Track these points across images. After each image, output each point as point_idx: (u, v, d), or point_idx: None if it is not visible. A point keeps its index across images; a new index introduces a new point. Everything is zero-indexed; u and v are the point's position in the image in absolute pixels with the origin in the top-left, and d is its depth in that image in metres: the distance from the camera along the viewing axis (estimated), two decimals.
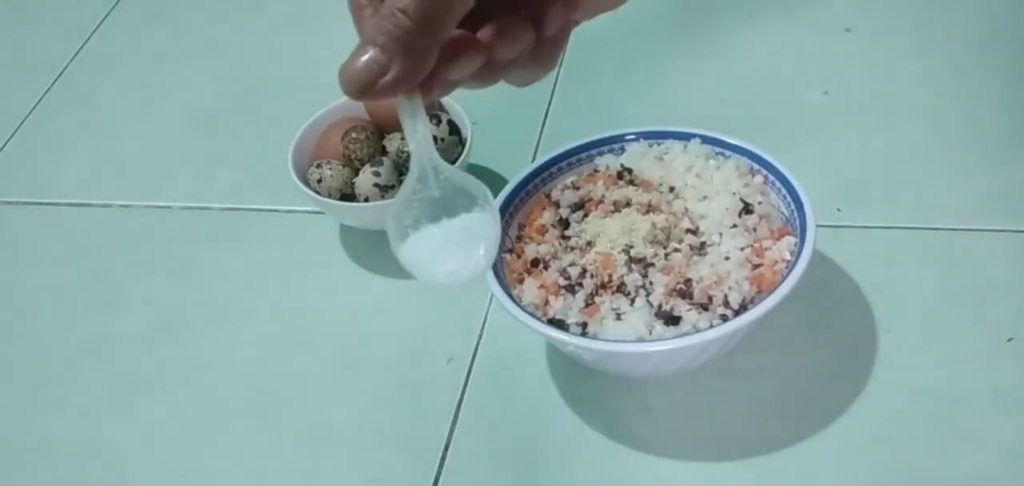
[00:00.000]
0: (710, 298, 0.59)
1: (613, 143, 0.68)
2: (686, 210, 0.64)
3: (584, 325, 0.59)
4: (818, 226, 0.60)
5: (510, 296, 0.60)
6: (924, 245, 0.69)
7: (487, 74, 0.47)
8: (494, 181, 0.76)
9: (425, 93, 0.46)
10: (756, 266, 0.60)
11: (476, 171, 0.77)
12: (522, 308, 0.60)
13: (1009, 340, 0.63)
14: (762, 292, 0.59)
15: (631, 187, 0.65)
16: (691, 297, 0.59)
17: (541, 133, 0.82)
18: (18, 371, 0.71)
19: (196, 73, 0.95)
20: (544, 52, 0.48)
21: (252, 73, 0.94)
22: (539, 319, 0.59)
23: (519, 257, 0.63)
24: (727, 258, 0.60)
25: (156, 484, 0.64)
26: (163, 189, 0.83)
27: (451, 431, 0.63)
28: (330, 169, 0.73)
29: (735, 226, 0.62)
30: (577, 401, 0.64)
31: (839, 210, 0.71)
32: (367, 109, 0.76)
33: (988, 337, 0.63)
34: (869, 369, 0.62)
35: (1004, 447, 0.58)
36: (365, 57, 0.43)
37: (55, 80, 0.96)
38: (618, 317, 0.58)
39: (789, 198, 0.63)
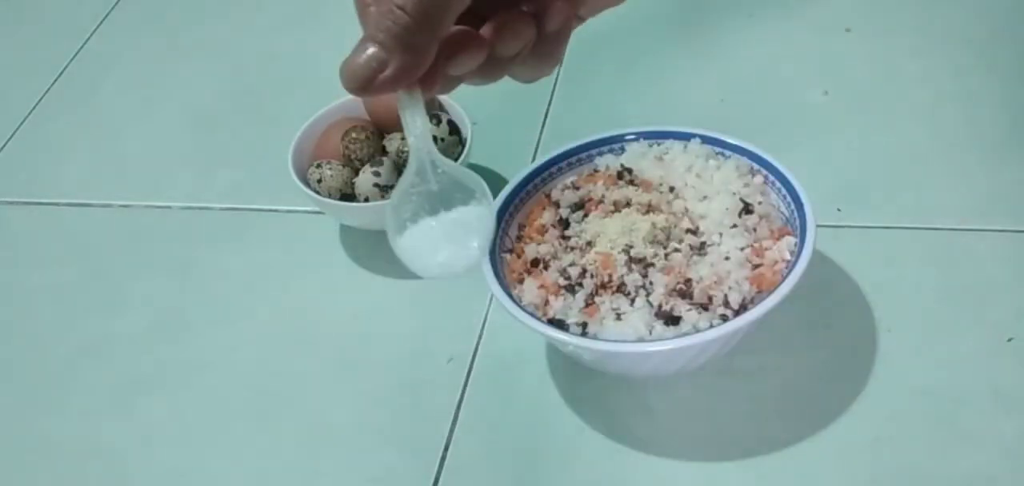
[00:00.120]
0: (710, 298, 0.59)
1: (613, 143, 0.68)
2: (686, 210, 0.64)
3: (584, 325, 0.59)
4: (818, 226, 0.60)
5: (510, 296, 0.60)
6: (924, 245, 0.69)
7: (490, 70, 0.47)
8: (494, 181, 0.76)
9: (426, 89, 0.46)
10: (756, 266, 0.60)
11: (476, 171, 0.77)
12: (522, 308, 0.60)
13: (1009, 340, 0.63)
14: (762, 292, 0.59)
15: (631, 187, 0.65)
16: (691, 297, 0.59)
17: (541, 133, 0.82)
18: (18, 371, 0.71)
19: (196, 73, 0.95)
20: (546, 48, 0.48)
21: (252, 73, 0.94)
22: (539, 319, 0.59)
23: (519, 257, 0.63)
24: (727, 258, 0.60)
25: (156, 484, 0.64)
26: (163, 189, 0.83)
27: (451, 431, 0.63)
28: (330, 169, 0.73)
29: (735, 226, 0.62)
30: (577, 401, 0.64)
31: (839, 210, 0.71)
32: (367, 109, 0.76)
33: (988, 337, 0.63)
34: (869, 369, 0.62)
35: (1004, 447, 0.58)
36: (365, 54, 0.44)
37: (55, 80, 0.96)
38: (618, 317, 0.58)
39: (789, 198, 0.63)
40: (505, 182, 0.67)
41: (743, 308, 0.58)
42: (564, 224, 0.64)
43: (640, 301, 0.59)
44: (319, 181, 0.73)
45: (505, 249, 0.64)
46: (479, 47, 0.46)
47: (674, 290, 0.59)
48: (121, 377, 0.69)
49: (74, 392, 0.69)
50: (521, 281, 0.62)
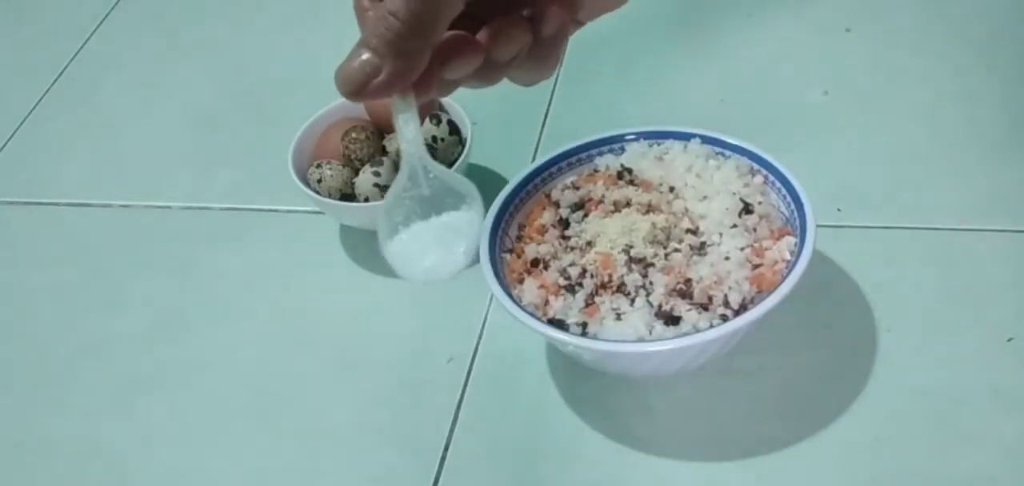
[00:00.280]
0: (710, 298, 0.59)
1: (613, 143, 0.68)
2: (686, 210, 0.64)
3: (584, 325, 0.59)
4: (818, 226, 0.60)
5: (510, 296, 0.60)
6: (924, 245, 0.69)
7: (487, 74, 0.47)
8: (494, 181, 0.76)
9: (421, 93, 0.46)
10: (756, 266, 0.60)
11: (476, 171, 0.77)
12: (522, 308, 0.60)
13: (1009, 340, 0.63)
14: (762, 292, 0.59)
15: (631, 187, 0.65)
16: (691, 297, 0.59)
17: (541, 133, 0.82)
18: (18, 371, 0.71)
19: (196, 73, 0.95)
20: (543, 52, 0.48)
21: (252, 73, 0.94)
22: (539, 319, 0.59)
23: (519, 257, 0.63)
24: (727, 258, 0.60)
25: (156, 484, 0.64)
26: (163, 189, 0.83)
27: (451, 431, 0.63)
28: (330, 169, 0.73)
29: (735, 226, 0.62)
30: (577, 401, 0.64)
31: (839, 210, 0.71)
32: (367, 109, 0.76)
33: (988, 337, 0.63)
34: (869, 369, 0.62)
35: (1004, 447, 0.58)
36: (359, 59, 0.44)
37: (55, 80, 0.96)
38: (618, 317, 0.58)
39: (789, 198, 0.63)
40: (505, 182, 0.67)
41: (743, 308, 0.58)
42: (564, 224, 0.64)
43: (640, 301, 0.59)
44: (319, 181, 0.73)
45: (505, 249, 0.64)
46: (475, 52, 0.46)
47: (674, 290, 0.59)
48: (121, 377, 0.69)
49: (74, 392, 0.69)
50: (521, 281, 0.62)
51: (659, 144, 0.68)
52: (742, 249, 0.61)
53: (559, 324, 0.59)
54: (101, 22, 1.03)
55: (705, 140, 0.67)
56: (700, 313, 0.58)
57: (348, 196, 0.73)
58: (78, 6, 1.04)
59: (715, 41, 0.88)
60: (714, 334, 0.57)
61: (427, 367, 0.67)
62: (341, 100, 0.76)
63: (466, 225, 0.49)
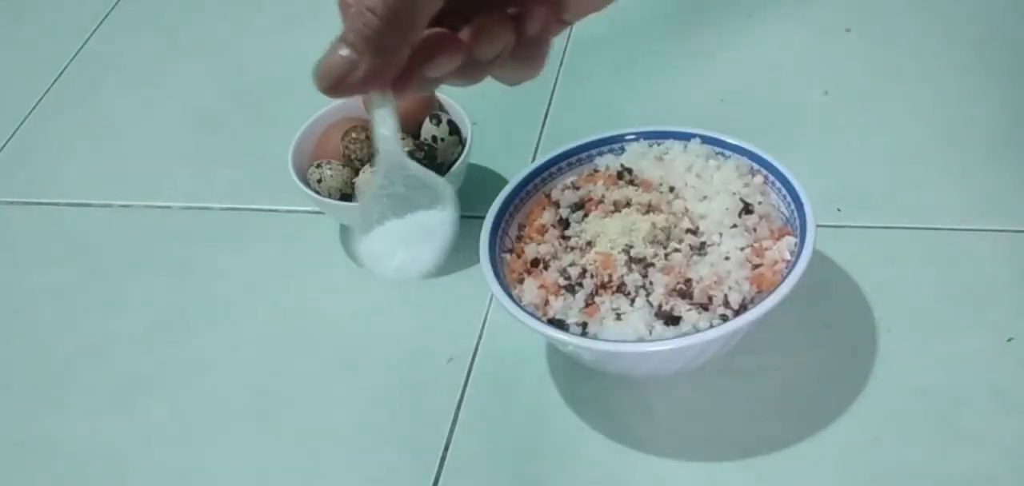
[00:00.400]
0: (710, 298, 0.59)
1: (613, 143, 0.68)
2: (686, 210, 0.64)
3: (584, 325, 0.59)
4: (818, 226, 0.60)
5: (510, 296, 0.60)
6: (924, 245, 0.69)
7: (469, 72, 0.47)
8: (494, 181, 0.76)
9: (401, 91, 0.46)
10: (756, 266, 0.60)
11: (476, 171, 0.77)
12: (522, 308, 0.60)
13: (1009, 340, 0.63)
14: (762, 292, 0.59)
15: (631, 187, 0.65)
16: (691, 297, 0.59)
17: (541, 133, 0.82)
18: (18, 371, 0.71)
19: (196, 73, 0.95)
20: (527, 52, 0.48)
21: (252, 73, 0.94)
22: (539, 319, 0.59)
23: (519, 257, 0.63)
24: (727, 258, 0.60)
25: (156, 484, 0.64)
26: (163, 189, 0.83)
27: (451, 431, 0.63)
28: (330, 169, 0.73)
29: (735, 226, 0.62)
30: (577, 401, 0.64)
31: (839, 210, 0.71)
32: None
33: (988, 337, 0.63)
34: (869, 369, 0.62)
35: (1004, 447, 0.58)
36: (337, 54, 0.44)
37: (55, 80, 0.96)
38: (618, 317, 0.58)
39: (789, 198, 0.63)
40: (505, 182, 0.67)
41: (743, 308, 0.58)
42: (564, 224, 0.64)
43: (640, 301, 0.59)
44: (319, 181, 0.73)
45: (505, 249, 0.64)
46: (457, 50, 0.46)
47: (674, 290, 0.59)
48: (121, 377, 0.69)
49: (74, 392, 0.69)
50: (521, 281, 0.62)
51: (659, 144, 0.68)
52: (742, 249, 0.61)
53: (559, 324, 0.59)
54: (101, 22, 1.03)
55: (705, 140, 0.67)
56: (700, 313, 0.58)
57: (348, 196, 0.73)
58: (78, 6, 1.04)
59: (715, 41, 0.88)
60: (714, 334, 0.57)
61: (427, 367, 0.67)
62: (341, 100, 0.77)
63: (439, 225, 0.49)
